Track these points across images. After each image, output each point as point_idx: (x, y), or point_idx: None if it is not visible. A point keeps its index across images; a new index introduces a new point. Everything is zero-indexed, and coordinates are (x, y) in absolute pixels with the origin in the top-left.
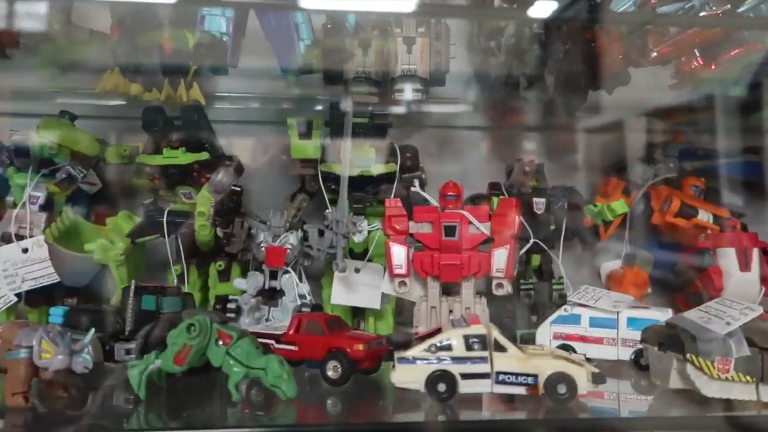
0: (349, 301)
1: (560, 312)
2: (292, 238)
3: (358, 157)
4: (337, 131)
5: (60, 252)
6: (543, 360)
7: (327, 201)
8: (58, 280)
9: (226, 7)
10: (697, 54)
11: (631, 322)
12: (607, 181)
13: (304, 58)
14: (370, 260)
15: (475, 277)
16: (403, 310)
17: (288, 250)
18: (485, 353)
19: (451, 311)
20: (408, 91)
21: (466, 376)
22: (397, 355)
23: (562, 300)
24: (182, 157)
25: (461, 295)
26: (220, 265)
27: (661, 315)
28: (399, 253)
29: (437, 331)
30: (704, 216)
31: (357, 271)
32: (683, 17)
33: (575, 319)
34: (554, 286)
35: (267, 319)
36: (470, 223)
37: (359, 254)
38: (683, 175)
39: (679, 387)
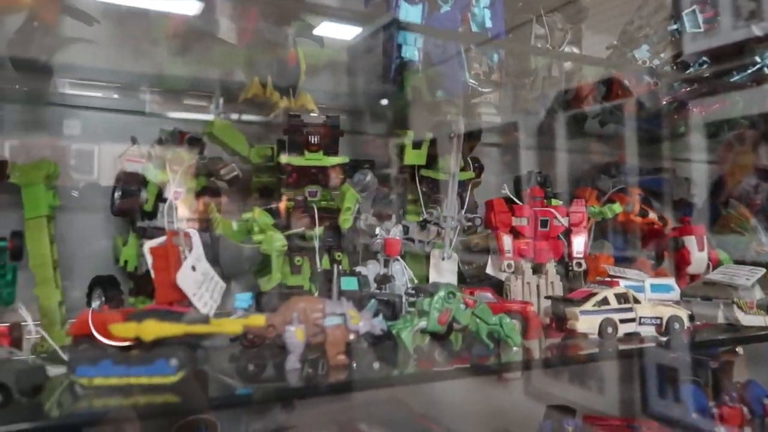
0: None
1: None
2: (398, 231)
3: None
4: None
5: (228, 243)
6: (662, 307)
7: (422, 201)
8: None
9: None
10: None
11: (653, 287)
12: (582, 190)
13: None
14: None
15: (554, 259)
16: None
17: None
18: (630, 305)
19: (537, 285)
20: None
21: (623, 321)
22: (579, 309)
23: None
24: (326, 160)
25: (546, 273)
26: (339, 256)
27: (670, 281)
28: (508, 241)
29: (590, 294)
30: (652, 215)
31: (443, 259)
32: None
33: None
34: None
35: None
36: (555, 217)
37: None
38: (628, 186)
39: (722, 322)
